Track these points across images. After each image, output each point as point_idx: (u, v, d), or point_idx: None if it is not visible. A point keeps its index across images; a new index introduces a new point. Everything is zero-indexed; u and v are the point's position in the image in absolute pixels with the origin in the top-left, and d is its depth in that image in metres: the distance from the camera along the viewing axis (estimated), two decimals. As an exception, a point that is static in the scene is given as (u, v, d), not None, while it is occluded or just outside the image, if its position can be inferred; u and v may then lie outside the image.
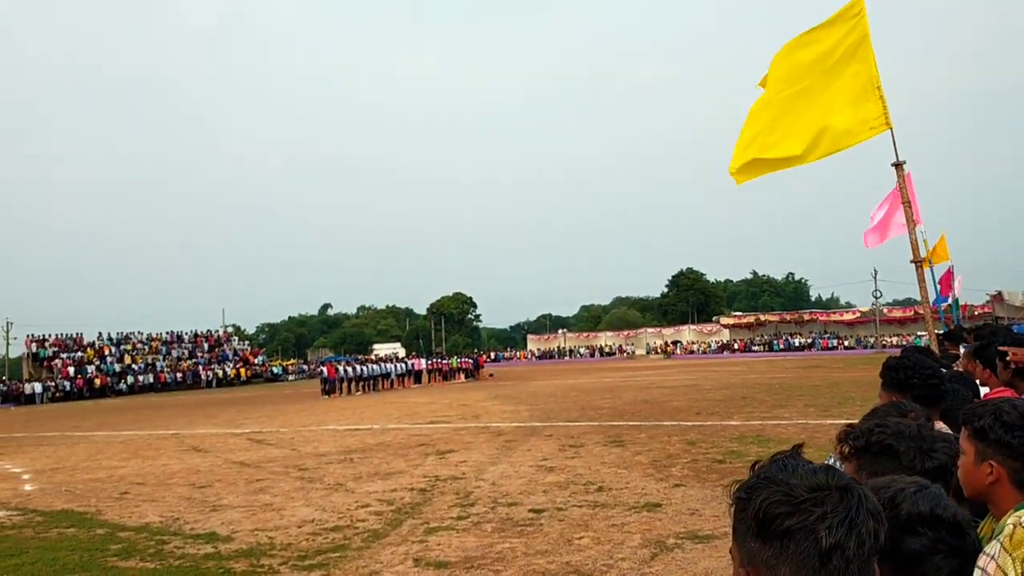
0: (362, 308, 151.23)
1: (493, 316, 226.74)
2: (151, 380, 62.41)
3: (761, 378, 31.58)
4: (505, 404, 24.06)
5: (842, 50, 6.12)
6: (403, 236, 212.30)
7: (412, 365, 43.81)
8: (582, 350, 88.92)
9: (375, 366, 40.37)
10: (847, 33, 6.16)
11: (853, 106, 5.90)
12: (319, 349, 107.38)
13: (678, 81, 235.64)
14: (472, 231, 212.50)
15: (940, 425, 2.97)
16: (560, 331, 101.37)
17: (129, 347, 67.44)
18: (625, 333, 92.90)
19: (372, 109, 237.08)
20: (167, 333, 71.49)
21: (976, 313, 58.02)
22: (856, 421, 2.32)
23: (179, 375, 64.26)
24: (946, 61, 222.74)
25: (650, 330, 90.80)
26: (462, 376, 47.45)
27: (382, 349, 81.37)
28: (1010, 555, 1.54)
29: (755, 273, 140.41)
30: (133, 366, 64.07)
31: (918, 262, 6.19)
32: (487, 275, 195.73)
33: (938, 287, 22.54)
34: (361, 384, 37.88)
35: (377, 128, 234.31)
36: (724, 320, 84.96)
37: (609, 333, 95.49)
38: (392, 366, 41.74)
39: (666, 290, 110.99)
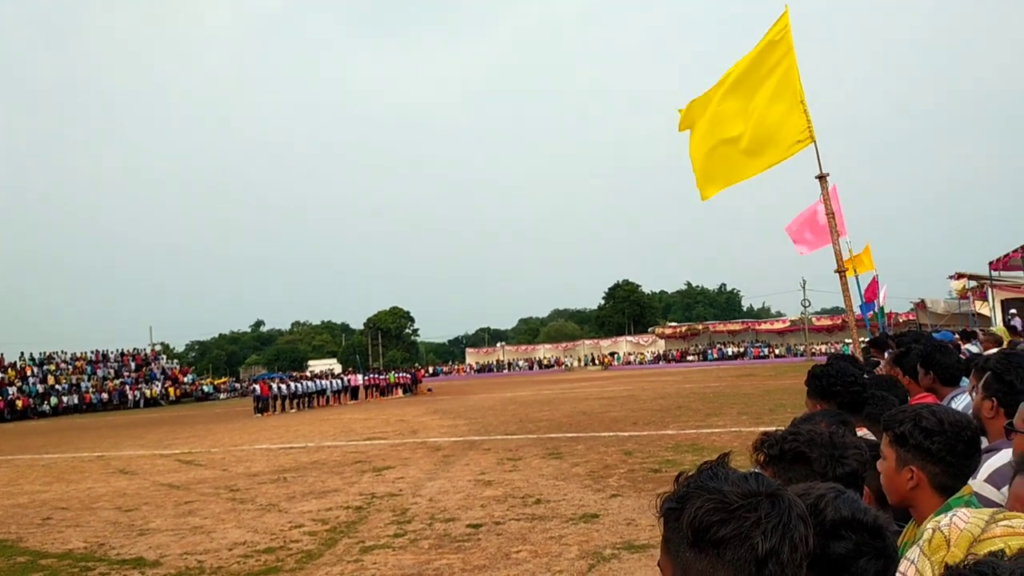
0: (296, 324, 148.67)
1: (431, 330, 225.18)
2: (76, 401, 60.35)
3: (696, 387, 31.78)
4: (443, 419, 23.88)
5: (767, 66, 6.31)
6: (338, 250, 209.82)
7: (348, 381, 43.12)
8: (521, 363, 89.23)
9: (310, 383, 39.44)
10: (771, 50, 6.32)
11: (781, 121, 6.08)
12: (252, 366, 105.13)
13: (610, 93, 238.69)
14: (410, 245, 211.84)
15: (864, 432, 3.00)
16: (499, 344, 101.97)
17: (52, 367, 65.17)
18: (563, 345, 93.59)
19: (310, 111, 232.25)
20: (92, 352, 69.34)
21: (901, 320, 59.62)
22: (773, 429, 2.33)
23: (105, 396, 62.25)
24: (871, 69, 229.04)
25: (588, 342, 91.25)
26: (400, 391, 46.96)
27: (317, 365, 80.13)
28: (928, 559, 1.56)
29: (689, 284, 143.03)
30: (57, 387, 61.91)
31: (842, 272, 6.35)
32: (425, 289, 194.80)
33: (863, 296, 23.12)
34: (295, 401, 37.00)
35: (310, 139, 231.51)
36: (659, 330, 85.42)
37: (547, 346, 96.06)
38: (327, 382, 40.95)
39: (603, 302, 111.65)
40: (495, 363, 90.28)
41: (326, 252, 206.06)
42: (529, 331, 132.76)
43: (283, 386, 37.37)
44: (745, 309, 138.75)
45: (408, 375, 49.95)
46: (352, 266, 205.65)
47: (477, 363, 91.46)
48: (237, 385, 75.33)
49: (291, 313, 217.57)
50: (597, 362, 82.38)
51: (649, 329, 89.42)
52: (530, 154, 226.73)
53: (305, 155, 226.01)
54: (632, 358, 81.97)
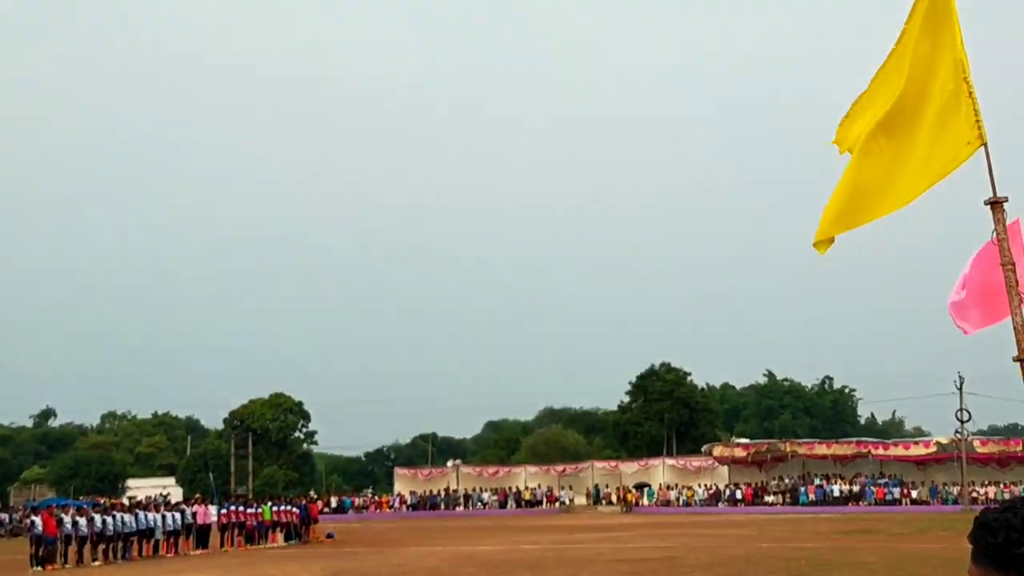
0: (110, 418, 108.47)
1: (337, 436, 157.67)
2: None
3: (779, 548, 25.93)
4: None
5: (920, 45, 5.52)
6: (183, 302, 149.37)
7: (194, 516, 32.08)
8: (487, 496, 65.56)
9: (128, 516, 29.26)
10: (924, 25, 5.53)
11: (941, 118, 5.32)
12: (30, 485, 79.56)
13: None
14: (307, 296, 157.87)
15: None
16: (451, 463, 74.90)
17: None
18: (559, 468, 67.83)
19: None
20: None
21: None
22: None
23: None
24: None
25: (600, 464, 67.92)
26: (280, 536, 35.63)
27: (142, 488, 62.32)
28: None
29: (771, 375, 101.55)
30: None
31: (1026, 361, 4.95)
32: (329, 368, 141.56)
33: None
34: (103, 547, 28.06)
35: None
36: (721, 450, 63.05)
37: (533, 468, 69.41)
38: (157, 517, 30.47)
39: (627, 399, 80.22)
40: (443, 494, 66.23)
41: (165, 304, 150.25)
42: (503, 443, 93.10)
43: (82, 520, 27.95)
44: (863, 422, 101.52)
45: (296, 509, 37.20)
46: (209, 327, 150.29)
47: (412, 493, 66.81)
48: (3, 516, 55.29)
49: (101, 400, 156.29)
50: (616, 499, 61.52)
51: (703, 448, 65.82)
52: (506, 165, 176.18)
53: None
54: (674, 495, 61.15)
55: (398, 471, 74.40)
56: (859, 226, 5.95)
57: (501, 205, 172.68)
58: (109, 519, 28.37)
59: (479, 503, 64.83)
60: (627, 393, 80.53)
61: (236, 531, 33.31)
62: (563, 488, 65.30)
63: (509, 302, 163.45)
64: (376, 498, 68.81)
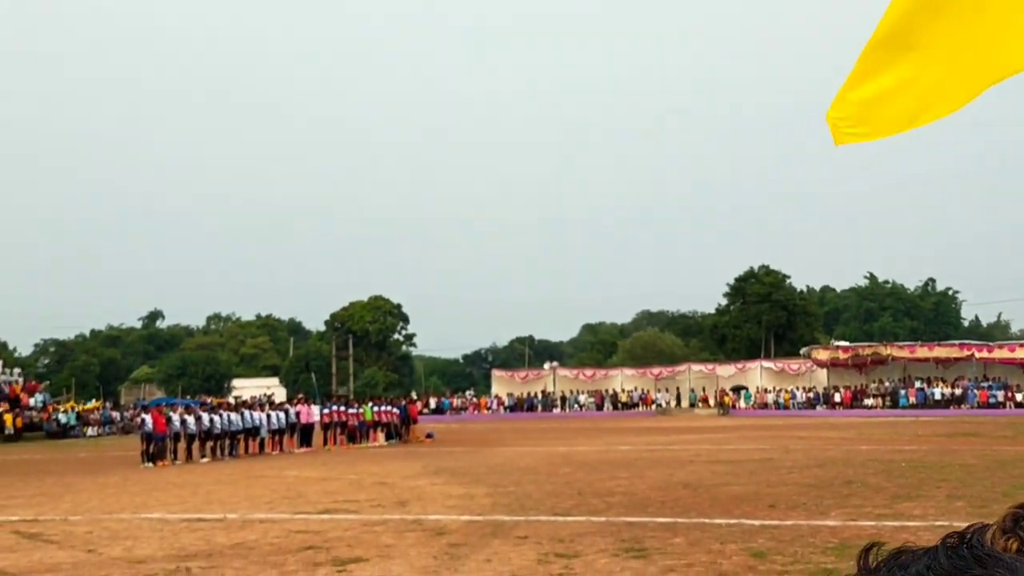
0: (215, 319, 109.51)
1: (436, 339, 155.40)
2: None
3: (878, 451, 25.61)
4: (452, 484, 19.01)
5: None
6: (285, 205, 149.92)
7: (297, 415, 32.00)
8: (583, 398, 65.02)
9: (234, 415, 29.64)
10: None
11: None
12: (140, 385, 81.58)
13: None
14: (408, 200, 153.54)
15: None
16: (548, 366, 73.09)
17: None
18: (655, 371, 66.95)
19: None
20: None
21: None
22: None
23: None
24: None
25: (697, 367, 66.52)
26: (381, 436, 34.95)
27: (247, 388, 63.87)
28: None
29: (872, 278, 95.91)
30: None
31: None
32: (429, 273, 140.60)
33: None
34: (210, 445, 28.49)
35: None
36: (820, 353, 62.10)
37: (629, 371, 68.44)
38: (262, 416, 30.64)
39: (725, 302, 78.08)
40: (540, 396, 65.71)
41: (264, 206, 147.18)
42: (599, 345, 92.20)
43: (190, 419, 28.24)
44: (966, 324, 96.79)
45: (396, 410, 36.44)
46: (309, 231, 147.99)
47: (510, 395, 66.65)
48: (115, 415, 55.18)
49: (206, 302, 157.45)
50: (712, 401, 61.86)
51: (802, 351, 64.83)
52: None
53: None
54: (771, 398, 60.18)
55: (496, 373, 73.81)
56: (914, 128, 4.95)
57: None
58: (216, 418, 28.65)
59: (575, 405, 64.44)
60: (725, 296, 78.58)
61: (338, 430, 33.23)
62: (659, 391, 64.30)
63: (607, 203, 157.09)
64: (475, 399, 68.66)
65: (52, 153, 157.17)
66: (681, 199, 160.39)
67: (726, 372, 64.37)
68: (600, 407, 63.72)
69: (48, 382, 68.35)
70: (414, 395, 57.47)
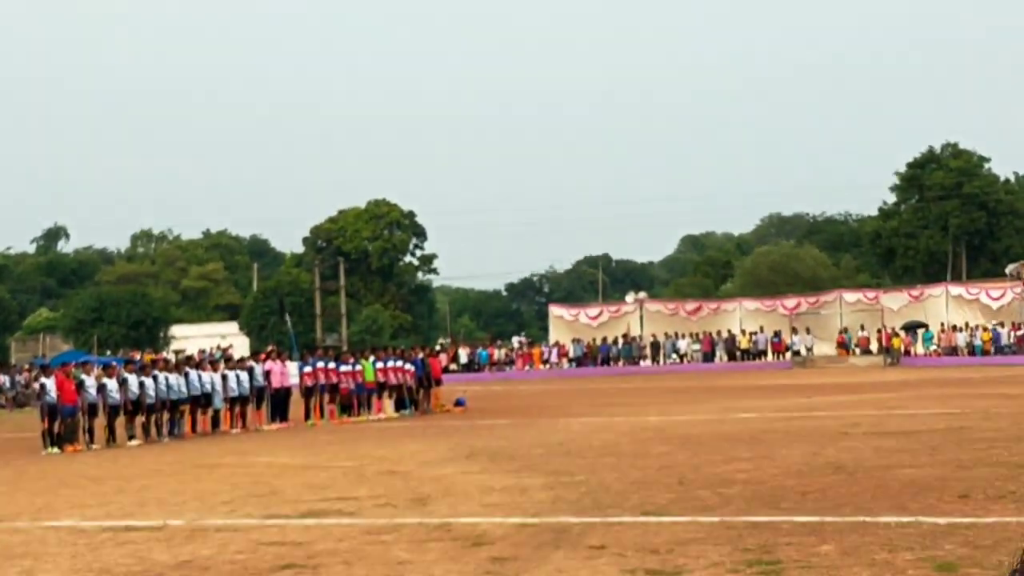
0: (142, 240, 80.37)
1: (466, 262, 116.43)
2: None
3: None
4: (493, 472, 14.97)
5: None
6: (247, 83, 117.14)
7: (267, 376, 25.28)
8: (684, 344, 49.42)
9: (174, 378, 23.25)
10: None
11: None
12: (37, 335, 61.20)
13: None
14: (425, 62, 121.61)
15: None
16: (631, 297, 57.07)
17: None
18: (790, 303, 50.34)
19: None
20: None
21: None
22: None
23: None
24: None
25: (852, 295, 50.12)
26: (388, 404, 27.71)
27: (193, 338, 49.50)
28: None
29: None
30: None
31: None
32: (452, 172, 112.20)
33: None
34: (142, 420, 22.47)
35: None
36: None
37: (751, 304, 51.77)
38: (216, 378, 24.05)
39: (892, 199, 60.68)
40: (620, 342, 50.01)
41: (212, 75, 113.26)
42: (707, 267, 70.53)
43: (111, 383, 22.03)
44: None
45: (410, 366, 28.09)
46: (279, 112, 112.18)
47: (577, 342, 50.56)
48: (2, 379, 42.63)
49: (128, 215, 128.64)
50: (875, 345, 47.02)
51: (1008, 269, 49.53)
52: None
53: None
54: (963, 338, 45.26)
55: (554, 310, 55.48)
56: None
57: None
58: (148, 381, 22.16)
59: (672, 355, 49.82)
60: (892, 190, 60.59)
61: (327, 397, 25.96)
62: (796, 331, 48.66)
63: (713, 66, 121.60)
64: (525, 349, 53.18)
65: None
66: (826, 54, 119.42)
67: (895, 302, 48.78)
68: (709, 356, 49.01)
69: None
70: (443, 343, 48.25)
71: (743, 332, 49.04)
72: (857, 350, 47.33)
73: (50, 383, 21.34)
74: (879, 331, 47.00)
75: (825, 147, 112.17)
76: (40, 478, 16.78)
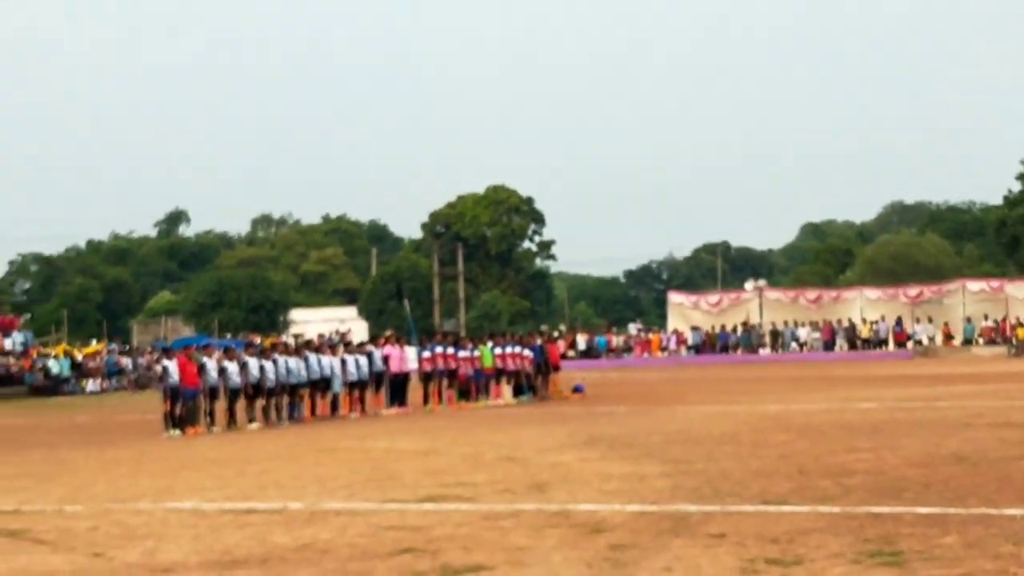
0: (263, 224, 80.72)
1: (585, 249, 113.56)
2: None
3: None
4: (612, 459, 14.79)
5: None
6: (359, 70, 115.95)
7: (385, 361, 26.19)
8: (804, 332, 50.01)
9: (294, 362, 23.21)
10: None
11: None
12: (159, 318, 61.36)
13: None
14: (534, 64, 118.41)
15: None
16: (751, 285, 57.71)
17: None
18: (913, 293, 50.53)
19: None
20: None
21: None
22: None
23: None
24: None
25: (976, 285, 50.23)
26: (506, 390, 27.79)
27: (311, 322, 49.71)
28: None
29: None
30: None
31: None
32: (571, 159, 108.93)
33: None
34: (262, 403, 22.56)
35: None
36: None
37: (873, 292, 51.79)
38: (335, 362, 24.13)
39: (1018, 187, 58.58)
40: (739, 330, 50.89)
41: (328, 64, 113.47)
42: (828, 255, 70.09)
43: (232, 367, 22.06)
44: None
45: (528, 352, 28.17)
46: (395, 98, 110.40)
47: (695, 329, 51.52)
48: (125, 361, 42.86)
49: (249, 200, 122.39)
50: (1000, 336, 46.78)
51: None
52: None
53: None
54: None
55: (673, 297, 55.86)
56: None
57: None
58: (269, 365, 22.19)
59: (792, 343, 50.10)
60: (1018, 179, 58.08)
61: (445, 382, 26.02)
62: (919, 320, 48.77)
63: (834, 48, 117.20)
64: (643, 336, 53.49)
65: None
66: (953, 41, 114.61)
67: (1020, 292, 48.34)
68: (830, 345, 49.28)
69: (29, 315, 52.44)
70: (561, 329, 47.59)
71: (864, 321, 49.05)
72: (980, 340, 46.88)
73: (172, 366, 21.25)
74: (1004, 321, 46.49)
75: (949, 134, 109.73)
76: (161, 460, 16.93)
